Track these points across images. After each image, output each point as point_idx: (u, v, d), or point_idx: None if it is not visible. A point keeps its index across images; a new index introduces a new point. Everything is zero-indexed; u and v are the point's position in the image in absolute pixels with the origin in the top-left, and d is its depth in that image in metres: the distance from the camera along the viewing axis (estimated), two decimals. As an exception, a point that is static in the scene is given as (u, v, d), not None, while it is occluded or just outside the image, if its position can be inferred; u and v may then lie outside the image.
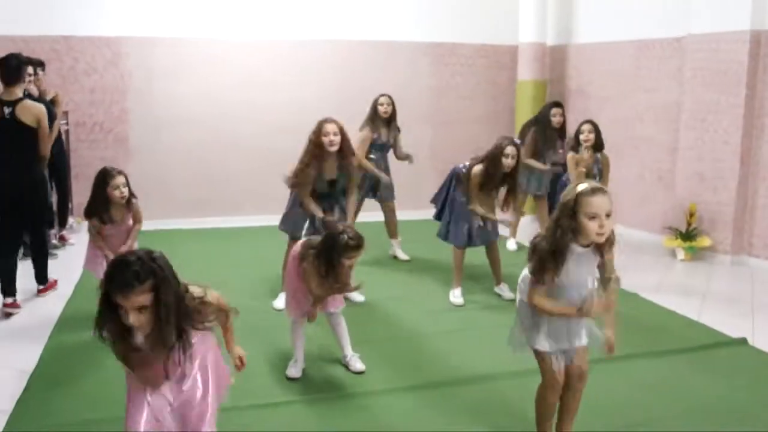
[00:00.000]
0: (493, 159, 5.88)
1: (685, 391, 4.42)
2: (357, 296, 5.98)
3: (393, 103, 7.28)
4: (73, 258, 7.34)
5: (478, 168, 5.96)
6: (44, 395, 4.22)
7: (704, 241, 7.65)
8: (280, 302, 5.84)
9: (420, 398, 4.26)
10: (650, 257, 7.85)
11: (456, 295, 6.23)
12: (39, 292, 6.25)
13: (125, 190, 5.19)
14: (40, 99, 7.39)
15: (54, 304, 5.92)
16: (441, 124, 10.03)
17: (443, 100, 10.14)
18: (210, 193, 9.28)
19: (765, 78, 7.32)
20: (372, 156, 7.25)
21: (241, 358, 3.23)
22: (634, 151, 8.93)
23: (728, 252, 7.61)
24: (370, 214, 7.47)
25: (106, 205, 5.12)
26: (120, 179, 5.13)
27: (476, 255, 6.44)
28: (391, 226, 7.65)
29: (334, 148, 5.60)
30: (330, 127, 5.60)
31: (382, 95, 7.28)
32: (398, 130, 7.42)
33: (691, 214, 7.72)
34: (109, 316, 2.57)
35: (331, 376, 4.56)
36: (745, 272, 7.33)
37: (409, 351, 5.06)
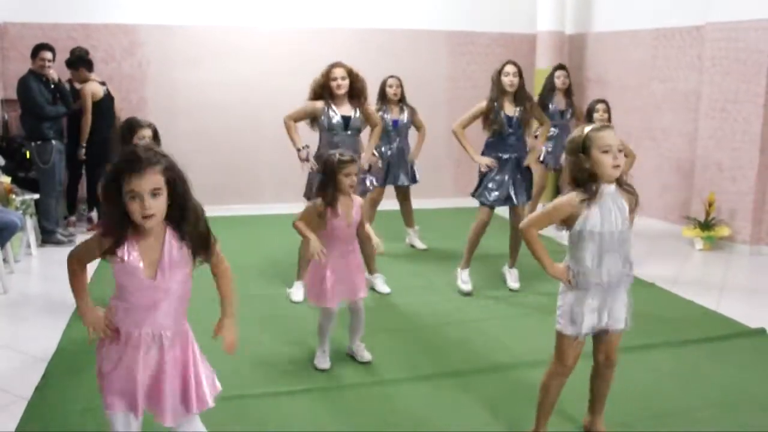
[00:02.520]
0: (495, 85, 5.85)
1: (704, 381, 4.41)
2: (383, 287, 5.95)
3: (401, 85, 7.26)
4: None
5: (482, 102, 5.91)
6: (63, 382, 4.25)
7: (723, 231, 7.60)
8: (297, 295, 5.80)
9: (438, 387, 4.26)
10: (669, 247, 7.80)
11: (464, 280, 6.04)
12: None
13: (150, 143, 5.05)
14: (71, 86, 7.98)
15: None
16: (458, 113, 9.94)
17: (460, 89, 10.09)
18: (229, 180, 9.31)
19: (786, 67, 7.25)
20: (391, 133, 7.21)
21: (230, 345, 2.88)
22: (653, 141, 8.88)
23: (747, 242, 7.56)
24: (385, 202, 7.41)
25: None
26: (146, 131, 4.69)
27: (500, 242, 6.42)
28: (406, 214, 7.60)
29: (342, 91, 5.67)
30: (338, 72, 5.66)
31: (390, 77, 7.26)
32: (412, 109, 7.35)
33: (710, 204, 7.67)
34: (114, 211, 2.51)
35: (348, 366, 4.56)
36: (763, 262, 7.29)
37: (428, 340, 5.06)
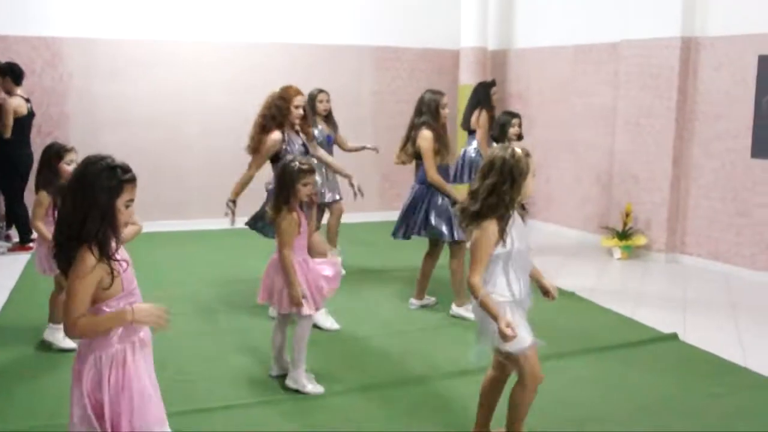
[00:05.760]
0: (433, 114, 5.64)
1: (622, 386, 4.56)
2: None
3: (329, 100, 7.08)
4: (10, 264, 7.23)
5: (426, 132, 5.59)
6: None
7: (639, 240, 7.87)
8: (327, 322, 5.52)
9: (363, 399, 4.31)
10: (588, 256, 8.02)
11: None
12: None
13: None
14: None
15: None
16: (383, 129, 10.08)
17: (385, 104, 10.21)
18: (154, 195, 9.16)
19: (695, 83, 7.57)
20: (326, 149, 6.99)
21: None
22: (573, 154, 9.12)
23: (662, 250, 7.85)
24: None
25: (57, 178, 4.98)
26: (73, 155, 5.00)
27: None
28: (331, 231, 7.14)
29: (300, 120, 5.49)
30: (300, 99, 5.44)
31: (320, 91, 7.05)
32: (336, 125, 7.21)
33: (627, 214, 7.93)
34: (110, 223, 2.57)
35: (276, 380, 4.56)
36: (678, 269, 7.57)
37: (353, 352, 5.11)
